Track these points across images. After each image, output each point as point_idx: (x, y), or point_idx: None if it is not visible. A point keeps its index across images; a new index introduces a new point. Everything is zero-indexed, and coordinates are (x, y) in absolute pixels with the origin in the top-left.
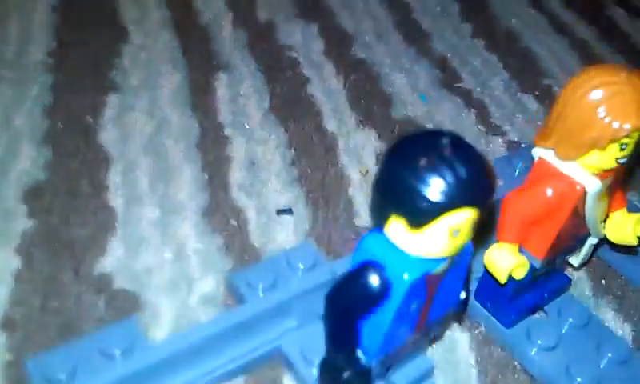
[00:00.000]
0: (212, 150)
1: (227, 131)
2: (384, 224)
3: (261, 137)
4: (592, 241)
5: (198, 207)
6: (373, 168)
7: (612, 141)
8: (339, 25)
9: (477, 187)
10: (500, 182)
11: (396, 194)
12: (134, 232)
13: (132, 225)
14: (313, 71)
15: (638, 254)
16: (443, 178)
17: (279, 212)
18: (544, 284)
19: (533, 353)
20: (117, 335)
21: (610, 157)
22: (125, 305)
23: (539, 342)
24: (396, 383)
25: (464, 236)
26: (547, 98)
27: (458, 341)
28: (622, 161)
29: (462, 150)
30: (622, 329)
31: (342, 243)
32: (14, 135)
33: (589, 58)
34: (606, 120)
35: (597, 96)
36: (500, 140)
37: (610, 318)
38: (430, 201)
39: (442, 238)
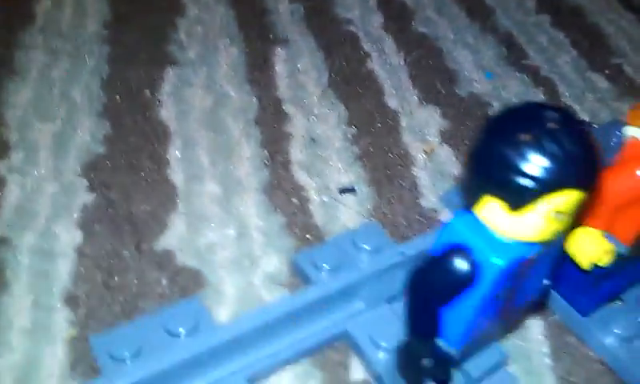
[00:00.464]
0: (271, 126)
1: (286, 107)
2: (475, 204)
3: (320, 113)
4: None
5: (259, 184)
6: (437, 147)
7: None
8: None
9: (586, 167)
10: None
11: (495, 172)
12: (195, 208)
13: (193, 201)
14: (372, 46)
15: None
16: (551, 154)
17: (342, 191)
18: (623, 271)
19: (609, 342)
20: (182, 314)
21: None
22: (187, 282)
23: (616, 331)
24: (470, 373)
25: (567, 220)
26: (618, 78)
27: (531, 328)
28: None
29: (570, 124)
30: None
31: (407, 224)
32: (73, 108)
33: None
34: None
35: None
36: None
37: None
38: (534, 180)
39: (543, 221)
